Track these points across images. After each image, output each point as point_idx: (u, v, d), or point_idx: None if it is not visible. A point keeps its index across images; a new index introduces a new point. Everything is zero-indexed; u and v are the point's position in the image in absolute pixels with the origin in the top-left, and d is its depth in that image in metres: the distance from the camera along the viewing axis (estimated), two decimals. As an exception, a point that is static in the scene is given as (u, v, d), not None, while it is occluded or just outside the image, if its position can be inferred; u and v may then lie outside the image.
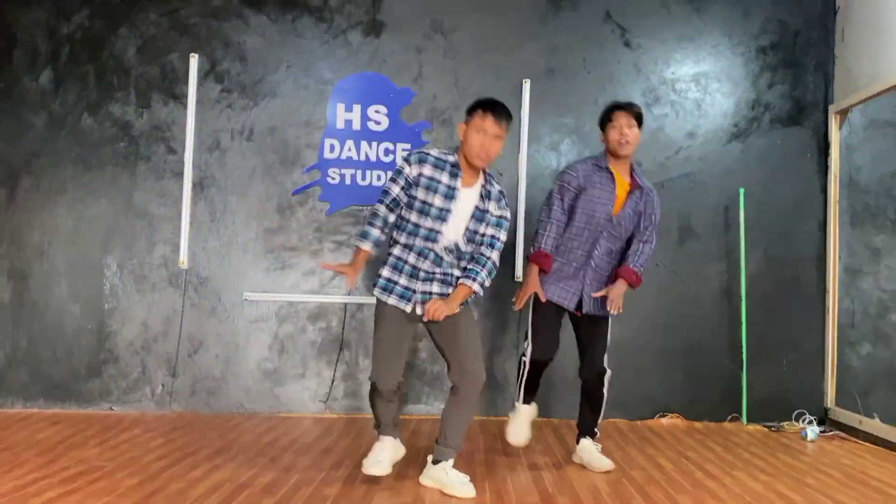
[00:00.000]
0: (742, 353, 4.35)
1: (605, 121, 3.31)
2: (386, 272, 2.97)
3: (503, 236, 3.02)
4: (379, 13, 4.41)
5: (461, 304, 2.97)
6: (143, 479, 2.87)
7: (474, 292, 2.95)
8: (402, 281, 2.93)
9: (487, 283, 2.98)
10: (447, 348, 2.99)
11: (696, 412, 4.38)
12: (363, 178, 4.34)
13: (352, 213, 4.34)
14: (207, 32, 4.35)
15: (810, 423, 4.20)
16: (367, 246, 2.91)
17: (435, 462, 2.92)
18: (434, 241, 2.91)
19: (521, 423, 3.42)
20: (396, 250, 2.97)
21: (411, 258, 2.93)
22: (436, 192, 2.89)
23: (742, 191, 4.42)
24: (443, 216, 2.90)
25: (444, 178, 2.91)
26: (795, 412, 4.32)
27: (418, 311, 2.94)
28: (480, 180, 2.99)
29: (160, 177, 4.31)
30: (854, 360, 4.31)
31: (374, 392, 3.00)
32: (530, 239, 3.57)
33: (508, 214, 3.04)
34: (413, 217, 2.92)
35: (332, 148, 4.35)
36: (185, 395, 4.25)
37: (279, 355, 4.29)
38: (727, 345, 4.42)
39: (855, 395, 4.20)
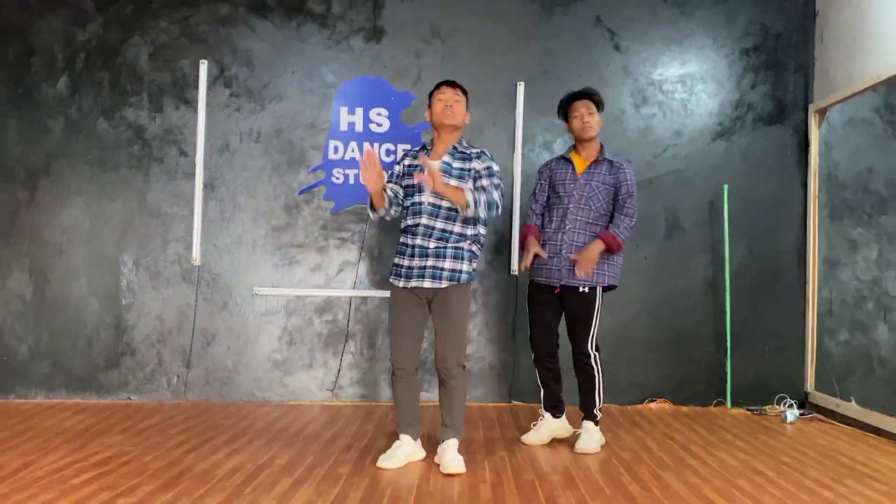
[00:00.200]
0: (727, 341, 4.59)
1: (567, 112, 3.66)
2: (395, 259, 3.32)
3: (496, 177, 3.25)
4: (379, 20, 4.61)
5: (456, 283, 3.20)
6: (169, 462, 3.11)
7: (466, 201, 3.10)
8: (405, 262, 3.25)
9: (481, 202, 3.15)
10: (436, 334, 3.27)
11: (683, 397, 4.62)
12: (366, 178, 4.56)
13: (355, 211, 4.56)
14: (216, 39, 4.56)
15: (791, 406, 4.43)
16: (386, 201, 3.26)
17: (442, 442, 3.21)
18: (419, 213, 3.22)
19: (541, 433, 3.66)
20: (400, 238, 3.32)
21: (408, 239, 3.26)
22: (412, 174, 3.26)
23: (726, 187, 4.64)
24: (420, 188, 3.22)
25: (417, 161, 3.30)
26: (777, 396, 4.55)
27: (413, 284, 3.20)
28: (450, 149, 3.30)
29: (172, 178, 4.53)
30: (832, 347, 4.55)
31: (392, 376, 3.28)
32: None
33: (495, 165, 3.31)
34: (406, 203, 3.30)
35: (335, 149, 4.57)
36: (199, 385, 4.48)
37: (288, 347, 4.53)
38: (712, 333, 4.66)
39: (833, 379, 4.45)
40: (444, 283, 3.19)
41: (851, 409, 4.20)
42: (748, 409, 4.54)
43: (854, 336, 4.43)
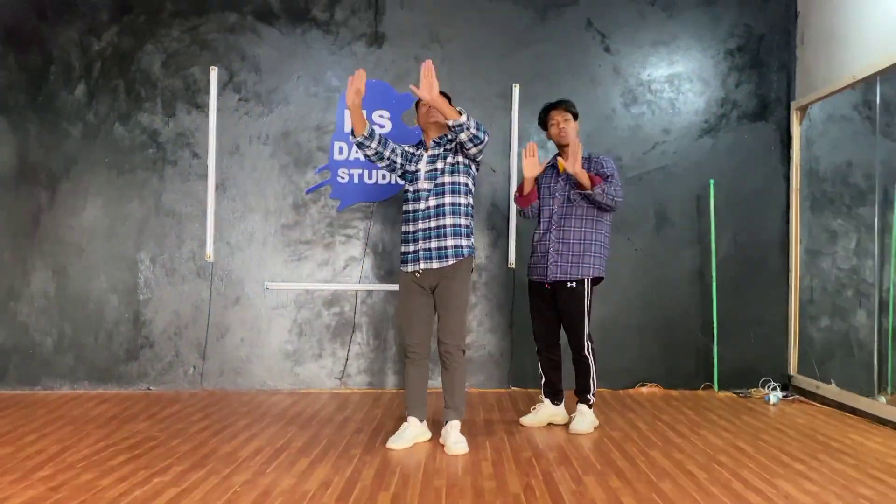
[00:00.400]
0: (713, 327, 4.84)
1: (545, 121, 3.92)
2: (401, 248, 3.59)
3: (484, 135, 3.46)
4: (381, 26, 4.83)
5: (462, 257, 3.45)
6: (194, 446, 3.37)
7: (461, 121, 3.28)
8: (410, 248, 3.52)
9: (472, 124, 3.32)
10: (438, 318, 3.53)
11: (672, 381, 4.88)
12: (370, 177, 4.80)
13: (360, 209, 4.80)
14: (225, 47, 4.78)
15: (774, 389, 4.68)
16: (366, 129, 3.48)
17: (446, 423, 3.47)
18: (417, 199, 3.50)
19: (539, 416, 3.91)
20: (402, 227, 3.59)
21: (410, 226, 3.53)
22: (409, 160, 3.57)
23: (712, 181, 4.88)
24: (417, 176, 3.52)
25: (413, 150, 3.63)
26: (762, 380, 4.80)
27: (422, 266, 3.45)
28: (433, 141, 3.58)
29: (186, 179, 4.76)
30: (813, 332, 4.79)
31: (406, 358, 3.56)
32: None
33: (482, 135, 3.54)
34: (406, 187, 3.58)
35: (340, 150, 4.80)
36: (215, 376, 4.73)
37: (298, 338, 4.77)
38: (700, 321, 4.91)
39: (814, 363, 4.70)
40: (452, 260, 3.45)
41: (831, 390, 4.44)
42: (734, 392, 4.80)
43: (834, 322, 4.66)
